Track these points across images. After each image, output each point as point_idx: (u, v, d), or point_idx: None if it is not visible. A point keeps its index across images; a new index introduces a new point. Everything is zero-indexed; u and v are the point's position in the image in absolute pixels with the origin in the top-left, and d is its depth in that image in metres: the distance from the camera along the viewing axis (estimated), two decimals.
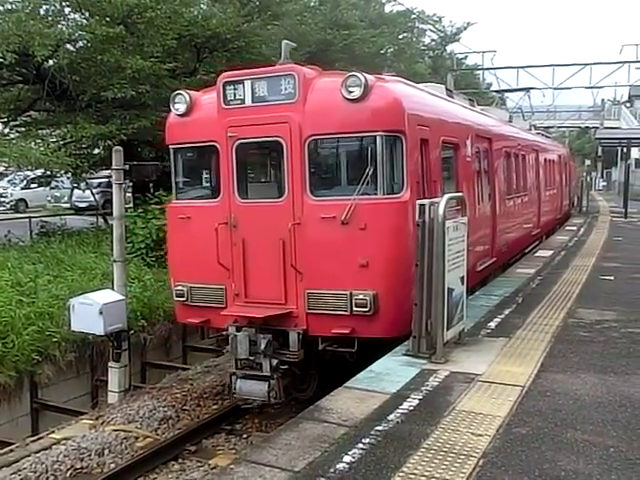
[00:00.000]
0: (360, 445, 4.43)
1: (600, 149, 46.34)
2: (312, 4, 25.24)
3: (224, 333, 7.71)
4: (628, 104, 60.81)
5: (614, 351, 6.64)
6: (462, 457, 4.23)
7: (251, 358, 7.36)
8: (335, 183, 7.62)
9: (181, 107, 7.93)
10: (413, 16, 32.82)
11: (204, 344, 12.47)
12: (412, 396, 5.36)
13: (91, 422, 8.26)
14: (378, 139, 7.01)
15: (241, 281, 7.55)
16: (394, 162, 7.18)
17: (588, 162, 55.34)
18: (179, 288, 8.02)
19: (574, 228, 20.68)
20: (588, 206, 30.43)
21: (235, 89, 7.50)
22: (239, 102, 7.46)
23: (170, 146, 8.24)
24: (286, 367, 7.40)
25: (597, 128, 49.16)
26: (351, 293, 6.96)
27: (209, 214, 7.69)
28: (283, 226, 7.21)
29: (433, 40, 37.70)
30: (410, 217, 6.74)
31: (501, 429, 4.67)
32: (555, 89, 34.91)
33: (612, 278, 11.05)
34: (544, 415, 4.93)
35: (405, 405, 5.16)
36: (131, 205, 16.78)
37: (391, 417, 4.92)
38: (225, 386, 9.44)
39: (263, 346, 7.21)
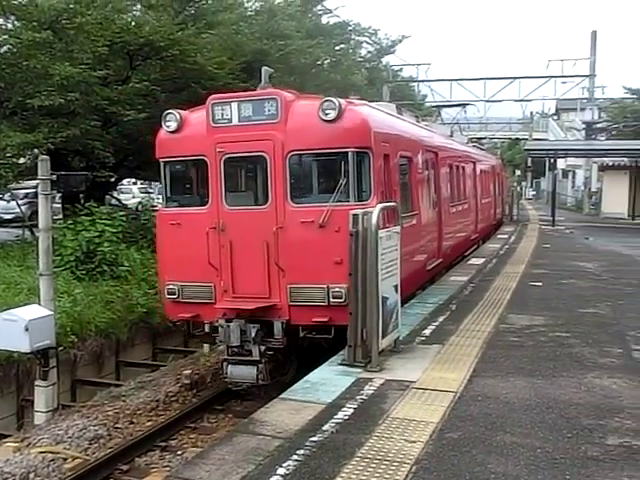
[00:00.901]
0: (294, 457, 4.41)
1: (530, 160, 47.76)
2: (248, 14, 25.21)
3: (214, 325, 8.46)
4: (555, 117, 63.06)
5: (542, 355, 6.85)
6: (395, 464, 4.27)
7: (235, 344, 8.26)
8: (313, 192, 8.61)
9: (172, 125, 8.76)
10: (349, 28, 33.12)
11: (138, 359, 12.21)
12: (347, 405, 5.38)
13: (16, 445, 7.91)
14: (350, 154, 8.11)
15: (229, 279, 8.42)
16: (363, 174, 8.29)
17: (518, 172, 57.13)
18: (170, 287, 8.76)
19: (505, 236, 21.25)
20: (518, 215, 31.34)
21: (223, 110, 8.46)
22: (226, 121, 8.42)
23: (160, 159, 9.02)
24: (271, 353, 8.34)
25: (527, 139, 50.81)
26: (328, 286, 7.92)
27: (199, 220, 8.56)
28: (268, 229, 8.15)
29: (369, 52, 38.15)
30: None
31: (434, 435, 4.74)
32: (487, 101, 35.96)
33: (541, 284, 11.41)
34: (475, 419, 5.03)
35: (340, 415, 5.18)
36: (60, 216, 16.31)
37: (326, 427, 4.92)
38: (160, 401, 9.29)
39: (254, 334, 8.12)
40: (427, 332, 7.86)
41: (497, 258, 15.19)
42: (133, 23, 16.29)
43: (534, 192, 67.32)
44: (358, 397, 5.56)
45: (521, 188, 56.27)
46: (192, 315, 8.78)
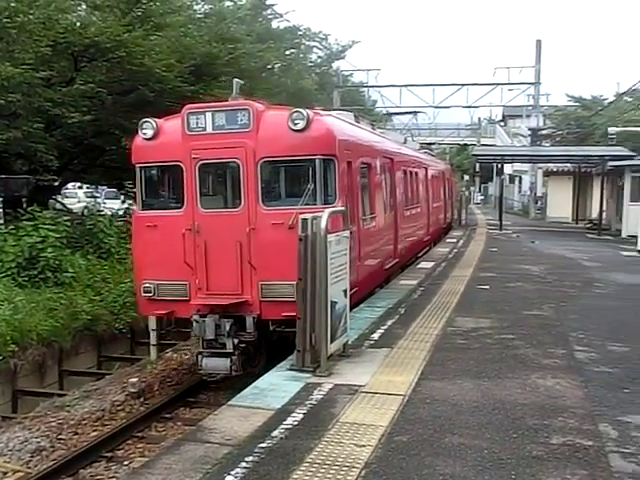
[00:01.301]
0: (243, 464, 4.38)
1: (478, 165, 48.69)
2: (197, 16, 25.01)
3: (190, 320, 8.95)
4: (502, 123, 64.45)
5: (488, 357, 6.97)
6: (345, 469, 4.28)
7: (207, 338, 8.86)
8: (282, 196, 9.27)
9: (149, 132, 9.26)
10: (300, 33, 33.23)
11: (82, 367, 11.94)
12: (296, 411, 5.36)
13: None
14: (317, 161, 8.79)
15: (204, 277, 8.96)
16: (328, 179, 8.98)
17: (467, 177, 58.09)
18: (147, 285, 9.24)
19: (454, 240, 21.58)
20: (467, 219, 31.90)
21: (197, 119, 8.99)
22: (201, 129, 8.94)
23: (137, 165, 9.52)
24: (244, 346, 8.89)
25: (475, 145, 51.76)
26: (297, 283, 7.65)
27: (175, 222, 9.08)
28: (241, 231, 8.72)
29: (320, 57, 38.33)
30: (341, 223, 8.05)
31: (383, 438, 4.77)
32: (436, 108, 36.52)
33: (488, 287, 11.62)
34: (424, 422, 5.08)
35: (289, 420, 5.16)
36: (1, 221, 15.85)
37: (275, 433, 4.90)
38: (105, 411, 9.10)
39: (228, 328, 8.70)
40: (376, 336, 7.90)
41: (446, 262, 15.41)
42: (78, 23, 15.95)
43: (482, 197, 68.76)
44: (307, 402, 5.56)
45: (469, 193, 57.29)
46: (167, 312, 9.29)
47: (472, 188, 63.87)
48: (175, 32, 18.74)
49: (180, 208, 9.16)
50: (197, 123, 9.02)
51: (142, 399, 9.60)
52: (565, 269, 14.63)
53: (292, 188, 9.31)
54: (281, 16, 30.35)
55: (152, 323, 11.30)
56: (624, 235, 23.42)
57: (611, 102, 37.97)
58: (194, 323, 8.87)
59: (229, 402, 5.87)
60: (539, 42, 36.46)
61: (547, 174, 37.24)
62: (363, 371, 6.42)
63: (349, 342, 7.17)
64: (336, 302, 6.70)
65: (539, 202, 40.43)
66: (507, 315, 9.20)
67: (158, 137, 9.28)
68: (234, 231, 8.74)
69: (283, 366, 6.74)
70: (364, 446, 4.62)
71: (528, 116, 39.71)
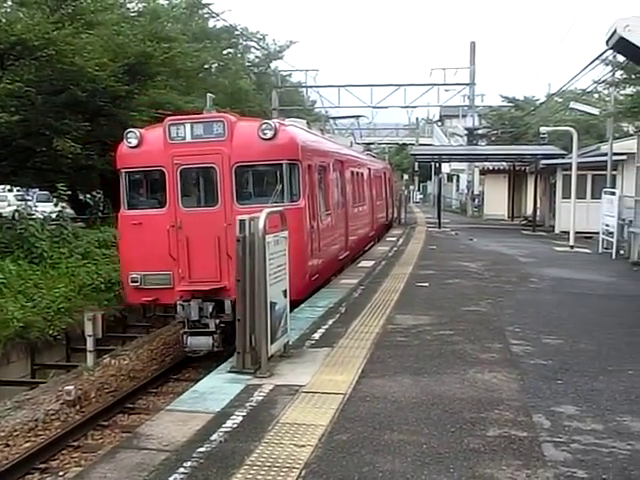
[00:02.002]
0: (181, 470, 4.30)
1: (416, 164, 49.37)
2: (130, 15, 24.54)
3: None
4: (439, 123, 65.61)
5: (427, 353, 7.07)
6: (285, 470, 4.26)
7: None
8: (254, 195, 10.70)
9: (133, 141, 10.53)
10: (237, 33, 32.98)
11: (14, 377, 11.55)
12: (236, 413, 5.31)
13: None
14: (284, 165, 10.38)
15: (186, 267, 10.30)
16: (293, 180, 10.52)
17: (406, 176, 58.92)
18: (134, 276, 10.50)
19: (394, 239, 21.80)
20: (406, 218, 32.29)
21: (178, 129, 10.31)
22: (181, 138, 10.28)
23: (122, 170, 10.80)
24: (223, 326, 10.05)
25: (413, 145, 52.55)
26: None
27: (158, 220, 10.36)
28: (219, 226, 9.98)
29: (257, 57, 38.11)
30: (305, 217, 10.35)
31: (323, 438, 4.77)
32: (374, 108, 36.78)
33: (427, 285, 11.79)
34: (364, 420, 5.11)
35: (229, 423, 5.11)
36: None
37: (214, 437, 4.84)
38: (39, 421, 8.81)
39: (210, 310, 10.08)
40: (317, 336, 7.91)
41: (386, 260, 15.57)
42: (3, 20, 15.42)
43: (421, 195, 69.87)
44: (247, 404, 5.51)
45: (409, 192, 58.13)
46: (152, 299, 10.74)
47: (411, 187, 64.85)
48: (107, 30, 18.37)
49: (163, 207, 10.52)
50: (177, 133, 10.34)
51: (78, 407, 9.35)
52: (502, 265, 14.99)
53: (262, 189, 10.82)
54: (217, 15, 30.07)
55: (88, 328, 11.08)
56: (557, 231, 24.20)
57: (542, 103, 39.18)
58: (179, 307, 10.16)
59: (167, 407, 5.77)
60: (473, 44, 37.24)
61: (483, 173, 38.17)
62: (304, 371, 6.41)
63: (290, 342, 7.15)
64: (276, 303, 6.67)
65: (476, 200, 41.34)
66: (446, 311, 9.35)
67: (142, 145, 10.56)
68: (213, 227, 10.05)
69: (223, 369, 6.67)
70: (304, 446, 4.61)
71: (464, 116, 40.52)
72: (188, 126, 10.32)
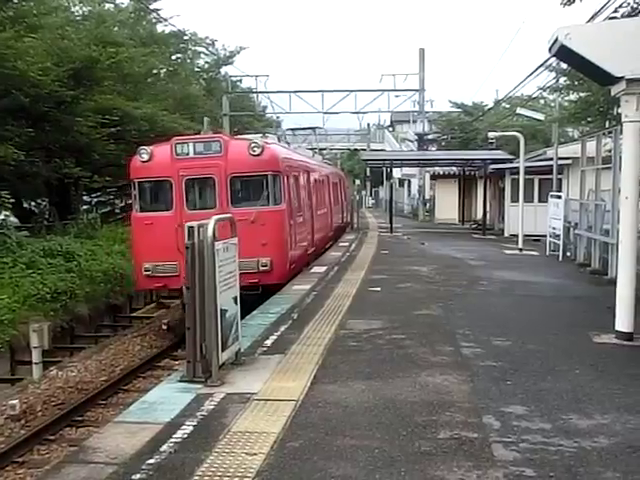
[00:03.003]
0: None
1: (368, 169, 49.78)
2: (75, 18, 24.12)
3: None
4: (390, 128, 66.34)
5: (380, 357, 7.11)
6: (236, 479, 4.22)
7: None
8: (245, 200, 13.21)
9: (145, 156, 12.90)
10: (186, 38, 32.68)
11: None
12: (186, 423, 5.25)
13: None
14: (269, 176, 13.01)
15: None
16: (276, 188, 13.17)
17: (358, 181, 59.19)
18: (147, 266, 12.70)
19: (347, 244, 21.86)
20: (359, 223, 32.41)
21: (182, 147, 12.78)
22: (185, 154, 12.75)
23: (135, 180, 13.22)
24: None
25: (365, 150, 52.93)
26: (258, 260, 12.44)
27: (166, 220, 12.60)
28: None
29: (207, 62, 37.81)
30: (286, 218, 13.30)
31: (275, 445, 4.75)
32: (325, 113, 36.85)
33: (379, 289, 11.88)
34: (316, 426, 5.11)
35: (179, 433, 5.04)
36: None
37: (164, 448, 4.77)
38: None
39: None
40: (269, 342, 7.89)
41: (339, 265, 15.62)
42: None
43: (374, 200, 70.24)
44: (198, 414, 5.45)
45: (361, 197, 58.47)
46: (161, 285, 13.10)
47: (363, 192, 65.18)
48: (51, 34, 18.04)
49: (170, 210, 12.87)
50: (182, 150, 12.79)
51: (23, 422, 9.09)
52: (453, 269, 15.19)
53: (252, 194, 13.39)
54: (165, 20, 29.73)
55: (34, 340, 10.81)
56: (506, 234, 24.67)
57: (490, 108, 39.99)
58: (185, 289, 10.75)
59: (115, 419, 5.67)
60: (422, 51, 37.67)
61: (434, 177, 38.61)
62: (256, 378, 6.38)
63: (242, 350, 7.10)
64: (226, 310, 6.63)
65: (427, 205, 41.78)
66: (398, 316, 9.43)
67: (152, 160, 12.91)
68: None
69: (173, 378, 6.59)
70: (256, 454, 4.58)
71: (414, 121, 41.12)
72: (191, 144, 12.86)
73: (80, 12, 25.82)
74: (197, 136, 13.67)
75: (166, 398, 5.94)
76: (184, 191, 12.83)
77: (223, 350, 6.43)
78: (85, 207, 28.43)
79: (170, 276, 12.54)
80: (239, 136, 16.39)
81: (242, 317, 9.05)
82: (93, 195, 30.75)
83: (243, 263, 10.71)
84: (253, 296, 11.44)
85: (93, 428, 8.80)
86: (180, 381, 6.40)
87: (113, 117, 20.82)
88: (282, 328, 8.67)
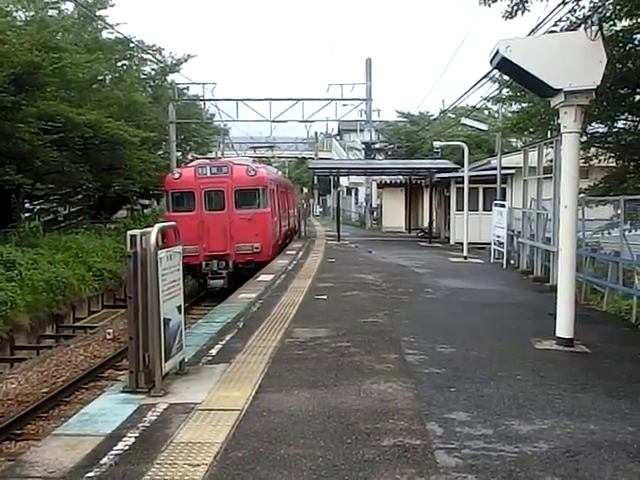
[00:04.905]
0: None
1: (316, 178, 49.79)
2: (17, 24, 23.49)
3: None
4: (338, 137, 66.64)
5: (325, 365, 7.11)
6: None
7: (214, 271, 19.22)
8: (245, 205, 19.58)
9: (177, 175, 19.96)
10: (132, 45, 32.22)
11: None
12: (128, 435, 5.14)
13: None
14: (260, 189, 19.92)
15: (206, 244, 19.04)
16: (265, 197, 19.99)
17: (306, 190, 59.35)
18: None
19: (294, 252, 21.89)
20: (306, 231, 32.48)
21: (202, 169, 19.79)
22: (205, 174, 19.57)
23: (169, 191, 19.98)
24: (228, 274, 19.06)
25: (312, 159, 53.04)
26: (252, 245, 19.10)
27: (190, 217, 18.66)
28: (225, 221, 19.21)
29: (154, 70, 37.34)
30: (270, 216, 20.47)
31: (219, 455, 4.69)
32: (272, 122, 36.74)
33: (325, 297, 11.90)
34: (260, 435, 5.06)
35: (120, 445, 4.93)
36: None
37: (104, 460, 4.65)
38: None
39: (224, 265, 19.17)
40: (214, 352, 7.81)
41: (285, 274, 15.61)
42: None
43: (321, 209, 70.51)
44: (140, 425, 5.34)
45: (309, 205, 58.57)
46: (186, 262, 15.08)
47: (311, 200, 65.33)
48: None
49: (192, 211, 19.20)
50: (202, 171, 19.67)
51: None
52: (399, 276, 15.33)
53: (248, 202, 19.72)
54: (112, 27, 29.30)
55: None
56: (452, 242, 25.08)
57: (436, 118, 40.60)
58: (204, 264, 19.11)
59: (54, 431, 5.51)
60: (369, 60, 38.11)
61: (381, 186, 38.98)
62: (200, 388, 6.29)
63: (186, 359, 7.00)
64: (170, 319, 6.52)
65: (375, 213, 42.16)
66: (344, 323, 9.46)
67: (181, 177, 19.72)
68: (223, 221, 19.20)
69: (115, 389, 6.45)
70: (198, 465, 4.51)
71: (362, 131, 41.31)
72: (208, 167, 19.86)
73: (22, 17, 25.19)
74: (213, 162, 22.26)
75: (108, 409, 5.81)
76: (203, 199, 19.37)
77: (167, 360, 6.33)
78: (27, 215, 27.68)
79: (192, 255, 17.81)
80: (238, 160, 23.92)
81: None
82: (35, 202, 29.98)
83: (243, 247, 19.13)
84: (249, 270, 18.12)
85: (33, 441, 8.54)
86: (123, 392, 6.27)
87: (56, 123, 20.36)
88: (227, 337, 8.60)
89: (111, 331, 14.40)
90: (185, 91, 39.40)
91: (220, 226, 18.97)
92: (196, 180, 19.32)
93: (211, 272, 19.06)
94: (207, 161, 22.32)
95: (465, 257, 19.66)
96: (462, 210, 21.01)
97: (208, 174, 19.43)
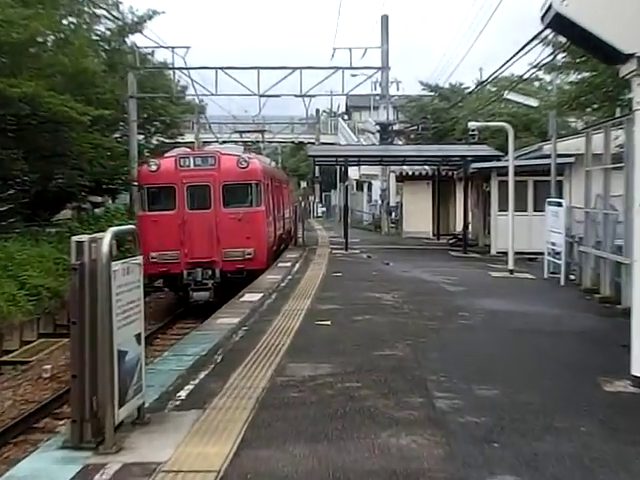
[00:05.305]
0: None
1: (317, 169, 49.87)
2: None
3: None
4: (346, 116, 66.91)
5: (328, 412, 7.02)
6: None
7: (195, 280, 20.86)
8: (235, 202, 21.31)
9: (153, 167, 21.17)
10: None
11: None
12: None
13: None
14: (253, 184, 21.71)
15: (189, 249, 20.52)
16: (259, 194, 21.85)
17: (304, 184, 59.47)
18: (153, 255, 19.84)
19: (288, 264, 21.92)
20: (305, 237, 32.39)
21: (184, 160, 21.24)
22: (187, 165, 21.10)
23: (145, 186, 21.49)
24: (215, 285, 20.51)
25: (313, 144, 53.12)
26: (243, 250, 20.80)
27: (169, 218, 20.59)
28: (211, 221, 20.75)
29: (109, 29, 37.41)
30: (265, 216, 22.27)
31: None
32: (261, 96, 36.75)
33: (329, 323, 11.86)
34: None
35: None
36: None
37: None
38: None
39: (210, 274, 20.62)
40: (183, 394, 7.73)
41: (277, 292, 15.57)
42: None
43: (324, 208, 70.58)
44: None
45: (308, 204, 58.64)
46: (164, 270, 20.45)
47: (311, 198, 65.49)
48: None
49: (173, 210, 20.71)
50: (184, 162, 21.05)
51: None
52: (425, 296, 15.28)
53: (239, 198, 21.38)
54: None
55: None
56: (493, 252, 25.02)
57: (471, 92, 40.66)
58: (185, 273, 20.54)
59: None
60: (385, 18, 38.10)
61: (401, 179, 39.02)
62: (164, 443, 6.21)
63: (146, 404, 6.93)
64: (126, 352, 6.44)
65: (393, 214, 42.17)
66: (353, 357, 9.39)
67: (159, 170, 21.02)
68: (208, 222, 20.58)
69: (53, 444, 6.35)
70: None
71: (376, 108, 41.47)
72: (192, 158, 21.32)
73: None
74: (196, 152, 24.27)
75: (42, 471, 5.72)
76: (185, 195, 20.81)
77: (121, 405, 6.24)
78: None
79: (171, 263, 20.35)
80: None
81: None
82: None
83: (232, 253, 20.56)
84: (240, 280, 19.10)
85: None
86: (63, 448, 6.17)
87: None
88: (201, 375, 8.54)
89: (49, 367, 14.36)
90: (149, 57, 39.52)
91: (205, 228, 20.51)
92: (177, 173, 20.80)
93: (194, 283, 20.43)
94: (189, 150, 24.53)
95: (511, 271, 19.56)
96: (506, 210, 20.90)
97: (191, 166, 20.95)
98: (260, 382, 8.11)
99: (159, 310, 23.12)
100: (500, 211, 24.40)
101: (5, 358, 17.15)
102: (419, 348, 10.05)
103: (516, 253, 20.27)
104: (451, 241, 30.76)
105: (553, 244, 18.71)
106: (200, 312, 17.89)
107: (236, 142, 41.23)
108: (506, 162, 22.03)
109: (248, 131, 39.06)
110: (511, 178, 20.59)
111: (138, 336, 6.79)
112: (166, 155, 23.81)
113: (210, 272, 20.31)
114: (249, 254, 20.53)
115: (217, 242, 20.38)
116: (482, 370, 8.88)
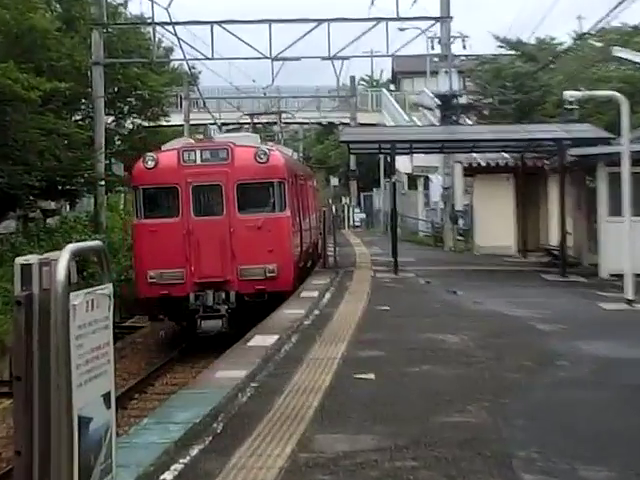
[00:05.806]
0: None
1: (353, 159, 49.84)
2: None
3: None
4: (392, 86, 66.94)
5: None
6: None
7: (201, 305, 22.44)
8: (252, 206, 23.50)
9: (150, 163, 22.76)
10: None
11: None
12: None
13: None
14: (275, 183, 23.75)
15: (196, 266, 22.15)
16: (282, 195, 23.85)
17: (336, 181, 59.43)
18: (151, 274, 22.06)
19: (314, 294, 21.90)
20: (337, 255, 32.22)
21: (189, 154, 22.98)
22: (192, 162, 22.88)
23: (139, 186, 23.45)
24: (229, 311, 21.99)
25: (347, 125, 53.14)
26: (264, 267, 22.45)
27: (171, 227, 22.46)
28: (224, 231, 22.51)
29: None
30: (290, 224, 24.43)
31: None
32: (275, 60, 36.77)
33: (373, 377, 11.81)
34: None
35: None
36: None
37: None
38: None
39: (223, 298, 22.14)
40: (169, 477, 7.74)
41: (299, 333, 15.60)
42: None
43: (363, 215, 70.28)
44: None
45: (342, 209, 58.62)
46: (164, 293, 21.82)
47: (345, 200, 65.41)
48: None
49: (176, 217, 22.18)
50: (189, 157, 22.55)
51: None
52: (506, 338, 15.21)
53: (258, 201, 23.20)
54: None
55: None
56: (604, 274, 24.75)
57: (567, 49, 40.50)
58: (192, 297, 21.59)
59: None
60: None
61: (470, 172, 38.71)
62: None
63: None
64: (90, 419, 6.44)
65: (461, 221, 41.93)
66: (406, 426, 9.37)
67: (157, 166, 22.43)
68: (219, 231, 22.06)
69: None
70: None
71: (434, 74, 41.40)
72: (198, 152, 22.77)
73: None
74: (203, 144, 25.75)
75: None
76: (191, 198, 22.35)
77: None
78: None
79: (174, 284, 21.81)
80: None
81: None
82: None
83: (250, 270, 21.99)
84: (261, 305, 20.79)
85: None
86: None
87: None
88: (194, 450, 8.53)
89: None
90: (121, 9, 39.89)
91: (216, 239, 22.16)
92: (180, 170, 22.45)
93: (203, 309, 21.69)
94: (193, 142, 26.83)
95: (629, 301, 19.39)
96: (620, 214, 20.75)
97: (198, 161, 22.66)
98: (276, 461, 8.08)
99: (139, 353, 23.30)
100: (611, 216, 24.22)
101: None
102: (499, 412, 9.99)
103: (636, 275, 20.08)
104: (544, 259, 30.57)
105: None
106: (206, 348, 19.74)
107: (241, 125, 46.04)
108: (619, 146, 21.88)
109: (260, 113, 39.74)
110: (626, 169, 20.42)
111: (107, 396, 6.78)
112: (165, 147, 25.39)
113: (223, 295, 21.49)
114: (272, 272, 21.97)
115: (231, 257, 21.85)
116: (589, 443, 8.81)
